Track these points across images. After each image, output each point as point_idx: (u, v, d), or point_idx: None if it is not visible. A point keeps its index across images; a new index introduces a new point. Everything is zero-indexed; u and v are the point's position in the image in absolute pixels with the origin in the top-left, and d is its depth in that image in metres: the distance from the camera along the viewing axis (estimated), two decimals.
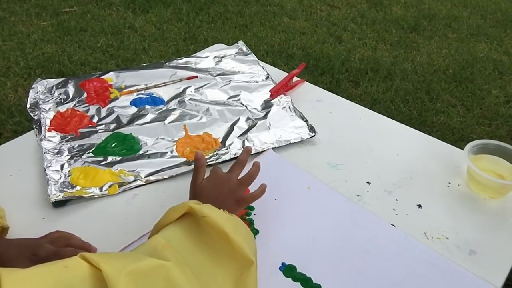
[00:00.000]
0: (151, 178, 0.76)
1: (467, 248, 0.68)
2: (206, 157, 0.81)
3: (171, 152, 0.82)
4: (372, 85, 2.19)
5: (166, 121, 0.89)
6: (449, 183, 0.79)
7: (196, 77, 1.03)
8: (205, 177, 0.67)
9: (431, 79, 2.27)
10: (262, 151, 0.83)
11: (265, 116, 0.91)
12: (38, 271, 0.38)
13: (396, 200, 0.75)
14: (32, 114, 0.89)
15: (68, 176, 0.75)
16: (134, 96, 0.96)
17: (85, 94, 0.95)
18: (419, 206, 0.74)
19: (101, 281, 0.38)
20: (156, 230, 0.55)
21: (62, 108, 0.91)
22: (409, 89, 2.18)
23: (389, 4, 3.10)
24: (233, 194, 0.64)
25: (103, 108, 0.92)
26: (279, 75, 1.04)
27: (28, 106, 0.91)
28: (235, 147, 0.83)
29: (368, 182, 0.78)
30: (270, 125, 0.89)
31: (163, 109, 0.93)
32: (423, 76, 2.29)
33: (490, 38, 2.74)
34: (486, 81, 2.28)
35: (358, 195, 0.76)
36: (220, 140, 0.85)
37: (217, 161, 0.80)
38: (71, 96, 0.95)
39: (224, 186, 0.65)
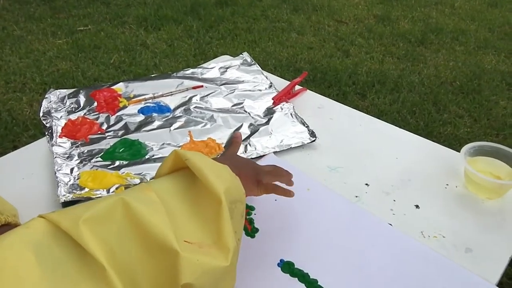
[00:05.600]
0: None
1: (463, 246, 0.69)
2: None
3: None
4: (379, 97, 2.22)
5: (172, 128, 0.92)
6: (447, 184, 0.81)
7: (202, 86, 1.07)
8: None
9: (438, 90, 2.29)
10: (264, 155, 0.85)
11: (267, 122, 0.94)
12: (1, 236, 0.38)
13: (394, 200, 0.77)
14: (44, 122, 0.93)
15: (77, 179, 0.78)
16: (142, 104, 1.00)
17: (95, 103, 1.00)
18: (417, 206, 0.76)
19: (65, 235, 0.38)
20: None
21: (73, 116, 0.95)
22: (416, 100, 2.20)
23: (397, 19, 3.15)
24: (256, 174, 0.65)
25: (112, 116, 0.96)
26: (282, 84, 1.08)
27: (41, 114, 0.95)
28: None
29: (366, 184, 0.80)
30: (272, 130, 0.92)
31: (170, 116, 0.96)
32: (430, 88, 2.31)
33: (498, 50, 2.75)
34: (494, 92, 2.29)
35: (356, 196, 0.78)
36: (223, 145, 0.88)
37: None
38: (82, 105, 0.99)
39: (249, 165, 0.67)
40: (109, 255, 0.38)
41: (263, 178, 0.66)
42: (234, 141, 0.74)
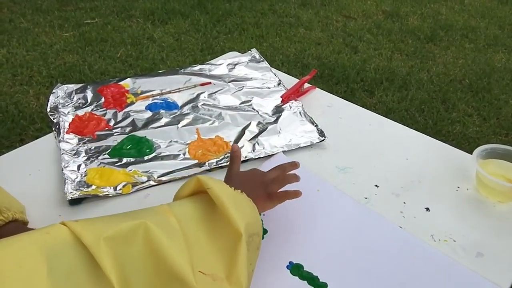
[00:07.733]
0: (163, 178, 0.78)
1: (474, 251, 0.68)
2: (217, 159, 0.83)
3: (184, 154, 0.84)
4: (387, 94, 2.20)
5: (179, 125, 0.92)
6: (458, 187, 0.79)
7: (210, 83, 1.06)
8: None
9: (447, 88, 2.26)
10: (272, 154, 0.84)
11: (275, 121, 0.93)
12: (20, 238, 0.37)
13: (404, 203, 0.76)
14: (51, 117, 0.93)
15: (84, 176, 0.78)
16: (149, 101, 0.99)
17: (103, 99, 0.99)
18: (427, 209, 0.75)
19: (83, 249, 0.38)
20: None
21: (80, 112, 0.94)
22: (425, 98, 2.17)
23: (406, 15, 3.11)
24: (265, 187, 0.64)
25: (119, 112, 0.95)
26: (290, 81, 1.06)
27: (48, 109, 0.95)
28: (245, 150, 0.85)
29: (376, 185, 0.79)
30: (280, 129, 0.91)
31: (177, 113, 0.95)
32: (439, 86, 2.29)
33: (508, 48, 2.72)
34: (504, 91, 2.26)
35: (366, 198, 0.76)
36: (231, 143, 0.87)
37: (227, 164, 0.82)
38: (89, 100, 0.98)
39: (257, 178, 0.66)
40: (122, 279, 0.38)
41: (272, 189, 0.65)
42: (234, 156, 0.70)
